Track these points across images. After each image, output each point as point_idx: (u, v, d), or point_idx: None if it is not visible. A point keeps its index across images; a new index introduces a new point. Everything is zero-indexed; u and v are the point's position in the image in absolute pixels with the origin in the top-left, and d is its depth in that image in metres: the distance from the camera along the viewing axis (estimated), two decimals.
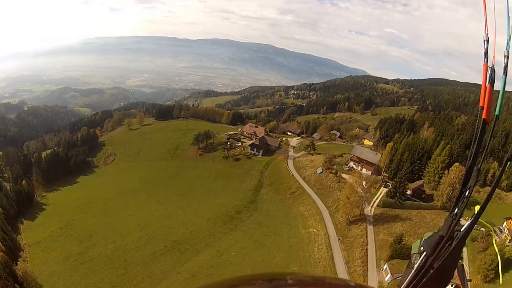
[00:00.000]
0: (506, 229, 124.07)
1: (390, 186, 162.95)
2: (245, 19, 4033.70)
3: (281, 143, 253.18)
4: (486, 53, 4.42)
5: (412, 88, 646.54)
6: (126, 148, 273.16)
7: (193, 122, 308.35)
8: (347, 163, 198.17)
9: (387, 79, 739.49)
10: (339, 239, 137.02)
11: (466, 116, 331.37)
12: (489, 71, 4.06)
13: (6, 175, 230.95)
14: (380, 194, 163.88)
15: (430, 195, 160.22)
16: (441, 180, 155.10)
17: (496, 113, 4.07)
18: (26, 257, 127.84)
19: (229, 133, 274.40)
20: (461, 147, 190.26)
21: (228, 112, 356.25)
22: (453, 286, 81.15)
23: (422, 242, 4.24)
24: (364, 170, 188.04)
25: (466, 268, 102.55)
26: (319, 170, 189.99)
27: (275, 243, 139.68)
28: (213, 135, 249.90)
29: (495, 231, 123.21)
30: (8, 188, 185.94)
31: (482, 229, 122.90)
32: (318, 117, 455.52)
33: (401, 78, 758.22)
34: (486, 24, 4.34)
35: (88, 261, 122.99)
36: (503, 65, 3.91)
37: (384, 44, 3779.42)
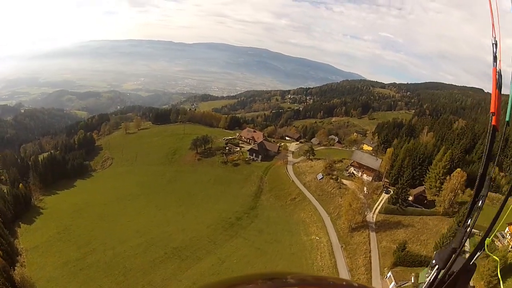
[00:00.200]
0: (508, 234, 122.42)
1: (392, 192, 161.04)
2: (240, 23, 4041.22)
3: (280, 148, 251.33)
4: (495, 57, 4.46)
5: (408, 92, 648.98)
6: (124, 152, 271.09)
7: (190, 126, 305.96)
8: (347, 168, 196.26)
9: (384, 83, 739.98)
10: (342, 246, 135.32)
11: (464, 120, 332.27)
12: (497, 76, 4.17)
13: (3, 177, 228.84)
14: (381, 200, 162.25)
15: (431, 201, 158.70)
16: (442, 186, 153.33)
17: (507, 119, 4.19)
18: (24, 261, 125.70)
19: (227, 138, 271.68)
20: (461, 152, 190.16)
21: (225, 117, 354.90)
22: None
23: (434, 256, 4.32)
24: (364, 176, 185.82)
25: None
26: (319, 176, 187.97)
27: (277, 250, 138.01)
28: (211, 140, 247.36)
29: (496, 236, 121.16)
30: (5, 191, 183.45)
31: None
32: (316, 122, 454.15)
33: (397, 82, 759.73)
34: (493, 27, 4.40)
35: (86, 268, 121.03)
36: None
37: (379, 48, 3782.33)
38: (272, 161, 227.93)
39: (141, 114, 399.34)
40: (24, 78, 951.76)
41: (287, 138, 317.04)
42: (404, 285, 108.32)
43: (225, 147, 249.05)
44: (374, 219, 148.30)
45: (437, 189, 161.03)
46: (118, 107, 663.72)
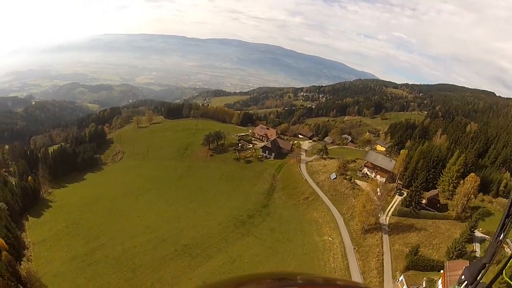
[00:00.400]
0: None
1: (405, 195, 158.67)
2: (254, 19, 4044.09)
3: (293, 146, 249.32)
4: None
5: (421, 93, 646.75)
6: (135, 146, 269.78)
7: (203, 121, 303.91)
8: (361, 169, 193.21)
9: (396, 84, 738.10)
10: (355, 248, 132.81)
11: (476, 123, 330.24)
12: None
13: (12, 169, 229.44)
14: (395, 202, 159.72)
15: (444, 205, 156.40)
16: (456, 190, 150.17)
17: None
18: (31, 255, 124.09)
19: (240, 134, 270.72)
20: (475, 156, 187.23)
21: (238, 113, 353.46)
22: None
23: (463, 271, 4.45)
24: (378, 177, 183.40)
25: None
26: (333, 176, 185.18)
27: (289, 250, 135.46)
28: (224, 136, 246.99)
29: (507, 243, 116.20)
30: (14, 183, 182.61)
31: None
32: (328, 120, 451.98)
33: (410, 83, 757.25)
34: None
35: (95, 263, 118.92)
36: None
37: (393, 48, 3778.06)
38: (285, 159, 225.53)
39: (153, 108, 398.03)
40: (35, 71, 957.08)
41: (300, 136, 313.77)
42: None
43: (238, 144, 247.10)
44: (387, 221, 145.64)
45: (450, 192, 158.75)
46: (130, 100, 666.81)
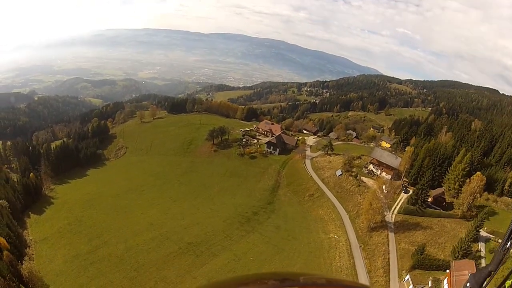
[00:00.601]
0: None
1: (411, 192, 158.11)
2: (258, 14, 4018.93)
3: (297, 142, 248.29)
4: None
5: (425, 90, 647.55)
6: (138, 141, 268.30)
7: (206, 116, 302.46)
8: (366, 166, 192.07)
9: (400, 79, 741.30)
10: (361, 246, 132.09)
11: (480, 120, 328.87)
12: None
13: (14, 165, 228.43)
14: (400, 200, 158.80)
15: (450, 203, 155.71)
16: (462, 189, 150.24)
17: None
18: (32, 254, 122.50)
19: (244, 129, 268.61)
20: (481, 155, 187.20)
21: (242, 108, 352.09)
22: None
23: (469, 278, 4.56)
24: (383, 174, 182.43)
25: None
26: (338, 172, 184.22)
27: (294, 248, 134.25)
28: (228, 131, 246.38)
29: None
30: (15, 180, 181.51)
31: (500, 241, 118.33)
32: (332, 115, 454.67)
33: (414, 79, 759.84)
34: None
35: (97, 262, 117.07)
36: None
37: (397, 44, 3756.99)
38: (290, 155, 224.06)
39: (157, 103, 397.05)
40: (38, 66, 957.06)
41: (304, 131, 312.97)
42: None
43: (242, 139, 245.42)
44: (393, 220, 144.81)
45: (456, 191, 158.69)
46: (133, 95, 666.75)
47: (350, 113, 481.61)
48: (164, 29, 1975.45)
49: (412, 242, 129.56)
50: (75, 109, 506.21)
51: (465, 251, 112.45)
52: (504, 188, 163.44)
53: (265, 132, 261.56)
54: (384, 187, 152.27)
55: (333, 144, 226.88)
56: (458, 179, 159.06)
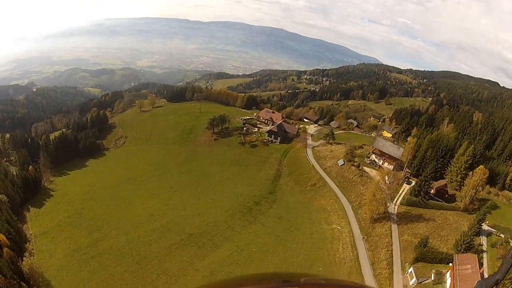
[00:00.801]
0: None
1: (413, 183, 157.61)
2: (257, 2, 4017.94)
3: (299, 131, 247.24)
4: None
5: (425, 80, 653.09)
6: (137, 131, 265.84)
7: (206, 105, 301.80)
8: (368, 155, 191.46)
9: (400, 69, 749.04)
10: (364, 237, 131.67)
11: (481, 112, 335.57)
12: None
13: (13, 158, 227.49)
14: (403, 191, 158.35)
15: (452, 195, 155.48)
16: (464, 181, 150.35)
17: None
18: (33, 249, 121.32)
19: (245, 117, 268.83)
20: (483, 148, 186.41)
21: (242, 96, 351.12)
22: None
23: (475, 286, 4.63)
24: (386, 164, 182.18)
25: (485, 275, 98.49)
26: (340, 162, 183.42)
27: (297, 239, 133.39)
28: (228, 119, 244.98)
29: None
30: (14, 173, 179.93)
31: (502, 235, 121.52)
32: (332, 104, 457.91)
33: (414, 69, 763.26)
34: None
35: (98, 255, 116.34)
36: None
37: (397, 33, 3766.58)
38: (291, 144, 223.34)
39: (156, 91, 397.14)
40: (37, 57, 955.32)
41: (305, 120, 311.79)
42: (424, 281, 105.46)
43: (243, 128, 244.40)
44: (396, 211, 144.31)
45: (458, 183, 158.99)
46: (132, 84, 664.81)
47: (350, 102, 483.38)
48: (163, 18, 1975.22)
49: (415, 234, 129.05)
50: (73, 99, 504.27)
51: (467, 244, 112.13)
52: (506, 182, 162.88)
53: (266, 121, 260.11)
54: (386, 177, 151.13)
55: (334, 133, 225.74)
56: (461, 171, 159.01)
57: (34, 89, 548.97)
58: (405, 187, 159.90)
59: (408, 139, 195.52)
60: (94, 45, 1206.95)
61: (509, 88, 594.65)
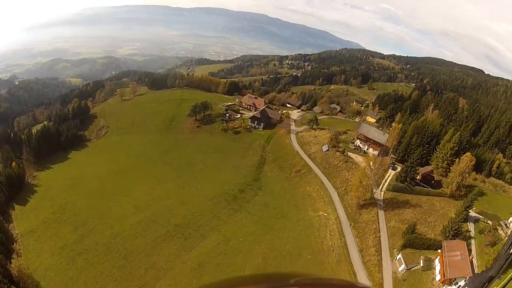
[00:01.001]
0: None
1: (399, 169, 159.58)
2: None
3: (282, 116, 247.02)
4: None
5: (408, 65, 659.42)
6: (119, 120, 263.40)
7: (188, 91, 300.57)
8: (353, 141, 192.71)
9: (383, 54, 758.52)
10: (351, 224, 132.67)
11: (465, 99, 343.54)
12: None
13: None
14: (388, 176, 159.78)
15: (438, 181, 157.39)
16: (450, 168, 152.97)
17: None
18: (20, 249, 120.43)
19: (227, 104, 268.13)
20: (469, 135, 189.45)
21: (224, 82, 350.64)
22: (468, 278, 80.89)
23: (467, 282, 4.72)
24: (371, 150, 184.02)
25: (474, 261, 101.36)
26: (325, 148, 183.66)
27: (284, 227, 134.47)
28: (211, 106, 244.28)
29: (500, 225, 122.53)
30: None
31: (489, 222, 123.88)
32: (314, 89, 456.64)
33: (397, 54, 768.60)
34: None
35: (85, 252, 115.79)
36: None
37: (380, 19, 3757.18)
38: (275, 130, 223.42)
39: (137, 79, 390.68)
40: (19, 50, 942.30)
41: (288, 105, 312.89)
42: (413, 268, 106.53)
43: (225, 114, 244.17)
44: (382, 197, 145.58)
45: (444, 169, 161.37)
46: (113, 72, 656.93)
47: (332, 87, 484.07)
48: (144, 5, 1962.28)
49: (402, 220, 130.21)
50: (55, 91, 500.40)
51: (455, 231, 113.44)
52: (492, 169, 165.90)
53: (249, 107, 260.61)
54: (371, 163, 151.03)
55: (318, 118, 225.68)
56: (447, 158, 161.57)
57: (16, 82, 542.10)
58: (391, 173, 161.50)
59: (393, 124, 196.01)
60: (75, 34, 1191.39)
61: (494, 75, 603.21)
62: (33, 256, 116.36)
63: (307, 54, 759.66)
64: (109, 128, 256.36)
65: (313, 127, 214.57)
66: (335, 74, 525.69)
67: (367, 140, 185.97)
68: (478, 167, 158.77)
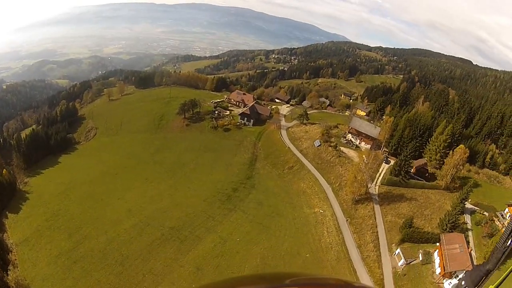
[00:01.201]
0: (508, 215, 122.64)
1: (392, 163, 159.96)
2: None
3: (271, 112, 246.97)
4: None
5: (395, 57, 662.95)
6: (108, 121, 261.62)
7: (176, 89, 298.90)
8: (344, 135, 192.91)
9: (370, 46, 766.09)
10: (347, 220, 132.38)
11: (454, 90, 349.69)
12: None
13: None
14: (382, 170, 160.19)
15: (432, 174, 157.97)
16: (444, 160, 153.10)
17: None
18: (16, 259, 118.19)
19: (216, 100, 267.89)
20: (462, 127, 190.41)
21: (212, 78, 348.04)
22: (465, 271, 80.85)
23: (464, 275, 4.72)
24: (363, 144, 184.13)
25: (473, 253, 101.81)
26: (316, 143, 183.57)
27: (280, 225, 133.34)
28: (199, 103, 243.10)
29: (496, 216, 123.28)
30: None
31: (486, 213, 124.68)
32: (302, 82, 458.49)
33: (384, 46, 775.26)
34: None
35: (80, 259, 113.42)
36: None
37: (366, 11, 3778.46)
38: (265, 126, 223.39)
39: (124, 78, 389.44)
40: (6, 53, 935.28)
41: (277, 100, 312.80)
42: (412, 262, 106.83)
43: (214, 111, 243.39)
44: (377, 191, 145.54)
45: (437, 162, 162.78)
46: (100, 72, 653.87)
47: (320, 80, 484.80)
48: (129, 3, 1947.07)
49: (399, 214, 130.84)
50: (43, 93, 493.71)
51: (453, 224, 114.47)
52: (486, 160, 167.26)
53: (237, 103, 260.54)
54: (365, 158, 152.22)
55: (308, 113, 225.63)
56: (440, 150, 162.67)
57: (4, 86, 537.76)
58: (384, 167, 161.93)
59: (384, 118, 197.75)
60: (61, 35, 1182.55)
61: (482, 66, 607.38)
62: (29, 266, 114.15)
63: (294, 48, 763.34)
64: (98, 129, 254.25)
65: (304, 122, 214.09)
66: (322, 68, 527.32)
67: (359, 134, 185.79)
68: (471, 159, 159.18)
